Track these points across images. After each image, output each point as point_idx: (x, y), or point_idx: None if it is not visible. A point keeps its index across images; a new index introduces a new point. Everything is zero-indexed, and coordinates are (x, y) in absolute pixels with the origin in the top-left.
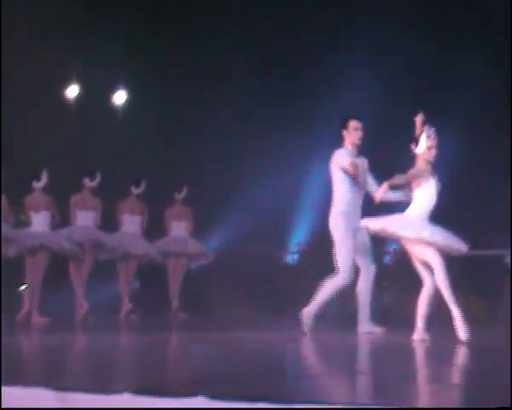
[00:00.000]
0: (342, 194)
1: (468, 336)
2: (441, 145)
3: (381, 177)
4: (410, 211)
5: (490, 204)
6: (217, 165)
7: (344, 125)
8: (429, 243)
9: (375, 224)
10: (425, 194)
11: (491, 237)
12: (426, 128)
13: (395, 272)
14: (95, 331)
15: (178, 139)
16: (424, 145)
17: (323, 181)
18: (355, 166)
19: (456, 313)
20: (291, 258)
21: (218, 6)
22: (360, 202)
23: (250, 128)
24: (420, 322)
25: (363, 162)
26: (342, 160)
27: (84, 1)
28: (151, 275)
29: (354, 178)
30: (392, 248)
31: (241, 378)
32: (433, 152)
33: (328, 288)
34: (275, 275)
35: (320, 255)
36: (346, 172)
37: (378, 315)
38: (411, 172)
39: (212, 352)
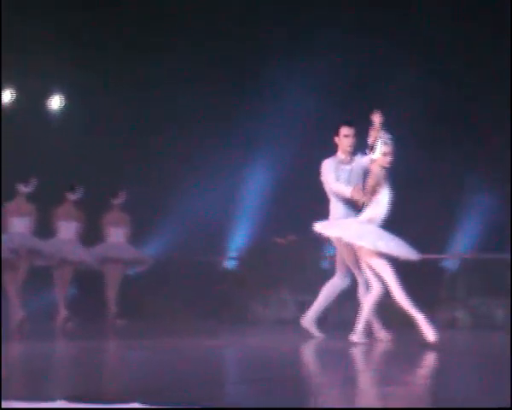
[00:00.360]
0: (334, 203)
1: (436, 338)
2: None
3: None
4: (365, 217)
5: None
6: (155, 170)
7: (335, 132)
8: (382, 254)
9: (331, 231)
10: (380, 201)
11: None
12: (382, 134)
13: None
14: (30, 339)
15: (116, 145)
16: (380, 151)
17: (261, 187)
18: (338, 190)
19: (419, 318)
20: (230, 264)
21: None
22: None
23: (189, 134)
24: (361, 325)
25: (352, 166)
26: (326, 175)
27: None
28: (88, 282)
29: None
30: (328, 253)
31: (177, 385)
32: (389, 159)
33: (327, 291)
34: (213, 281)
35: (259, 261)
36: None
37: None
38: (370, 183)
39: (149, 359)
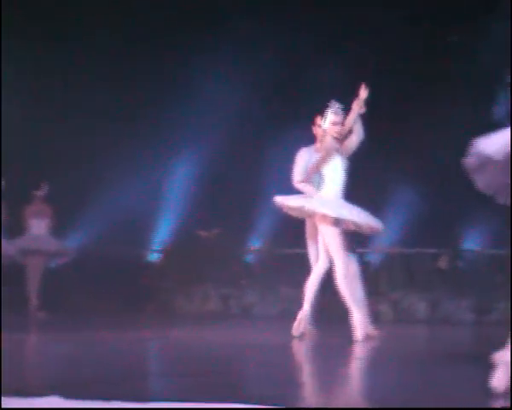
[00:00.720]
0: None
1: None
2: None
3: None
4: (323, 191)
5: None
6: (78, 162)
7: (314, 122)
8: (346, 222)
9: (293, 201)
10: (333, 172)
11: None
12: (332, 103)
13: (256, 270)
14: None
15: (40, 136)
16: (329, 121)
17: (186, 180)
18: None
19: (356, 316)
20: (154, 257)
21: None
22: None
23: (113, 125)
24: (307, 304)
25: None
26: (295, 166)
27: None
28: (9, 273)
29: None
30: (253, 246)
31: (100, 378)
32: (337, 128)
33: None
34: (137, 274)
35: (183, 255)
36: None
37: (240, 311)
38: (321, 156)
39: (71, 352)
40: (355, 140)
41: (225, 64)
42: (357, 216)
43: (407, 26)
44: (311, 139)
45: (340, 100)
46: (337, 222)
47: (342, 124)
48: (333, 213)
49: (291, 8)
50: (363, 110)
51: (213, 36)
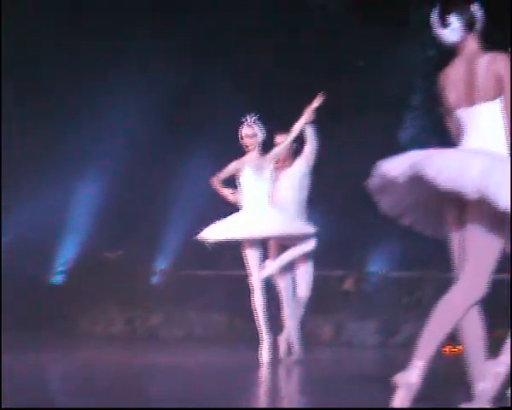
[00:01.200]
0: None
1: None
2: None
3: None
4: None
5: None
6: None
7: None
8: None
9: (215, 235)
10: (246, 183)
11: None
12: (248, 115)
13: (162, 292)
14: None
15: None
16: (240, 133)
17: (91, 199)
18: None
19: (265, 337)
20: (58, 278)
21: None
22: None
23: (13, 141)
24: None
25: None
26: None
27: None
28: None
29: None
30: (158, 268)
31: None
32: (248, 140)
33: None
34: (41, 295)
35: (87, 276)
36: None
37: (146, 333)
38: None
39: None
40: (307, 149)
41: (122, 80)
42: (274, 230)
43: (313, 47)
44: (217, 157)
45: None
46: (249, 241)
47: (256, 135)
48: (245, 235)
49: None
50: (310, 118)
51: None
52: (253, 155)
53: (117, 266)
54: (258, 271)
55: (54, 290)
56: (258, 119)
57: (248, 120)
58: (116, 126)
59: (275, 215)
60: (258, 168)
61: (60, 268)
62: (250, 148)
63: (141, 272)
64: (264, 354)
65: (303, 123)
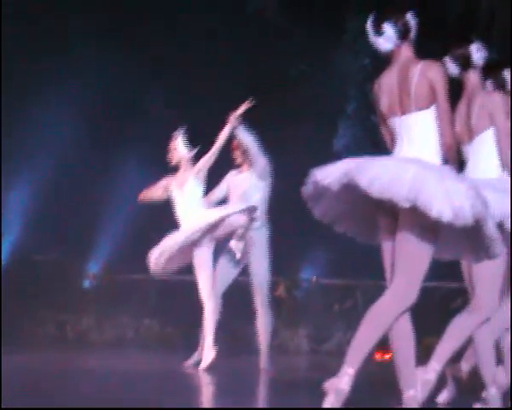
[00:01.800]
0: None
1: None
2: None
3: None
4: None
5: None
6: None
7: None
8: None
9: (158, 265)
10: (174, 202)
11: None
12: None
13: (94, 296)
14: None
15: None
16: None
17: (24, 200)
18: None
19: (208, 341)
20: None
21: None
22: None
23: None
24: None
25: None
26: None
27: None
28: None
29: None
30: (90, 272)
31: None
32: (169, 155)
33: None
34: None
35: (17, 278)
36: None
37: (76, 337)
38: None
39: None
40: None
41: (53, 88)
42: (211, 217)
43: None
44: (156, 161)
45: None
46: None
47: (175, 149)
48: (186, 238)
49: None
50: (235, 124)
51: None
52: (180, 171)
53: (48, 270)
54: (206, 271)
55: None
56: (186, 133)
57: (174, 134)
58: (47, 132)
59: (198, 216)
60: (181, 184)
61: None
62: (172, 162)
63: (72, 275)
64: (206, 359)
65: (228, 130)
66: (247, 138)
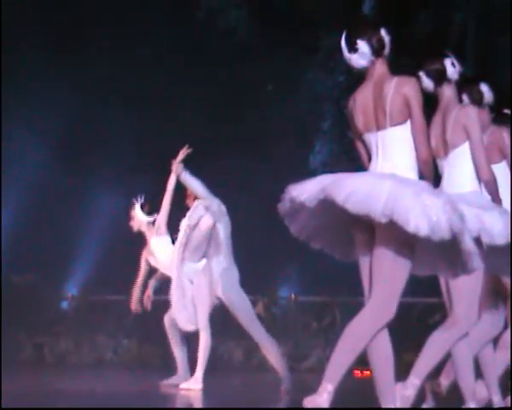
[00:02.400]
0: None
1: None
2: None
3: None
4: None
5: None
6: None
7: None
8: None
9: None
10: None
11: None
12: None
13: (72, 317)
14: None
15: None
16: None
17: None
18: None
19: (199, 373)
20: None
21: None
22: None
23: None
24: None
25: None
26: None
27: None
28: None
29: None
30: (67, 293)
31: None
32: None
33: None
34: None
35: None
36: None
37: (55, 360)
38: None
39: None
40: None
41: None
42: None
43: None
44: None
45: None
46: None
47: (133, 218)
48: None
49: None
50: (179, 172)
51: None
52: (147, 239)
53: (26, 291)
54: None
55: None
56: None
57: (132, 203)
58: (23, 156)
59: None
60: (151, 251)
61: None
62: (134, 229)
63: (50, 296)
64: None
65: (173, 179)
66: (193, 184)
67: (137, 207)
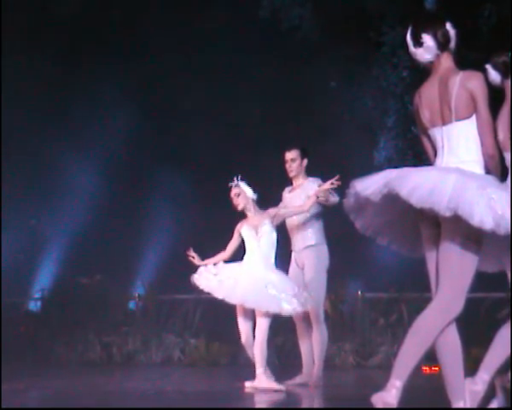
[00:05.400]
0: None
1: None
2: None
3: None
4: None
5: None
6: None
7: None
8: None
9: (208, 286)
10: (246, 243)
11: None
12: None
13: (139, 317)
14: None
15: None
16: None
17: (64, 225)
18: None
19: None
20: (34, 305)
21: None
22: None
23: None
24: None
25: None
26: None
27: None
28: None
29: None
30: (135, 293)
31: None
32: (233, 201)
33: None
34: (16, 322)
35: (64, 301)
36: None
37: (123, 359)
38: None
39: None
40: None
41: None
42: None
43: (281, 68)
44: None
45: None
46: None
47: (239, 195)
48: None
49: None
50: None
51: None
52: (249, 215)
53: (94, 292)
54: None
55: (30, 318)
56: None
57: (234, 182)
58: (89, 160)
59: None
60: (255, 227)
61: (36, 294)
62: (239, 208)
63: (118, 297)
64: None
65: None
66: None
67: (244, 184)
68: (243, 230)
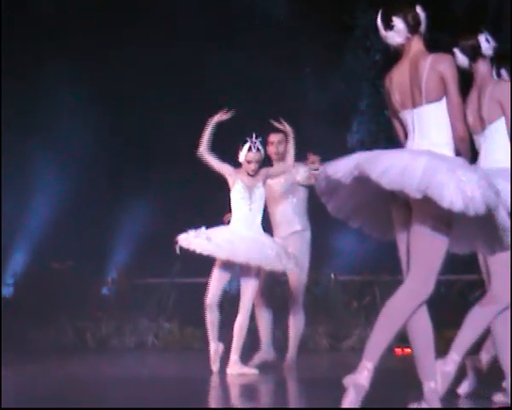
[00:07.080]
0: None
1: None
2: None
3: None
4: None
5: None
6: None
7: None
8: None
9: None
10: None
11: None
12: (251, 137)
13: (113, 302)
14: None
15: None
16: (243, 156)
17: (40, 209)
18: None
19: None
20: (6, 290)
21: None
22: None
23: None
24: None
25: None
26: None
27: None
28: None
29: None
30: (108, 278)
31: None
32: (253, 167)
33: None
34: None
35: (36, 287)
36: None
37: (96, 344)
38: None
39: None
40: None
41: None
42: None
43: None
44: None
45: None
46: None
47: (258, 162)
48: (223, 256)
49: None
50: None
51: None
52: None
53: (66, 277)
54: (215, 290)
55: (2, 303)
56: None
57: (254, 143)
58: (66, 139)
59: (259, 244)
60: (249, 188)
61: (8, 280)
62: (251, 174)
63: (91, 281)
64: (212, 363)
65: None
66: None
67: (259, 143)
68: (238, 185)
